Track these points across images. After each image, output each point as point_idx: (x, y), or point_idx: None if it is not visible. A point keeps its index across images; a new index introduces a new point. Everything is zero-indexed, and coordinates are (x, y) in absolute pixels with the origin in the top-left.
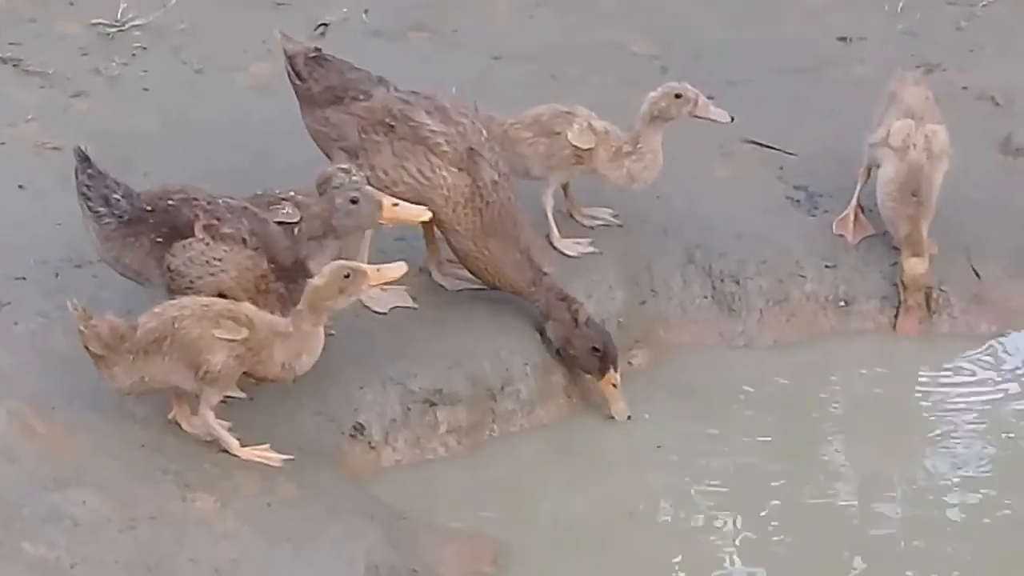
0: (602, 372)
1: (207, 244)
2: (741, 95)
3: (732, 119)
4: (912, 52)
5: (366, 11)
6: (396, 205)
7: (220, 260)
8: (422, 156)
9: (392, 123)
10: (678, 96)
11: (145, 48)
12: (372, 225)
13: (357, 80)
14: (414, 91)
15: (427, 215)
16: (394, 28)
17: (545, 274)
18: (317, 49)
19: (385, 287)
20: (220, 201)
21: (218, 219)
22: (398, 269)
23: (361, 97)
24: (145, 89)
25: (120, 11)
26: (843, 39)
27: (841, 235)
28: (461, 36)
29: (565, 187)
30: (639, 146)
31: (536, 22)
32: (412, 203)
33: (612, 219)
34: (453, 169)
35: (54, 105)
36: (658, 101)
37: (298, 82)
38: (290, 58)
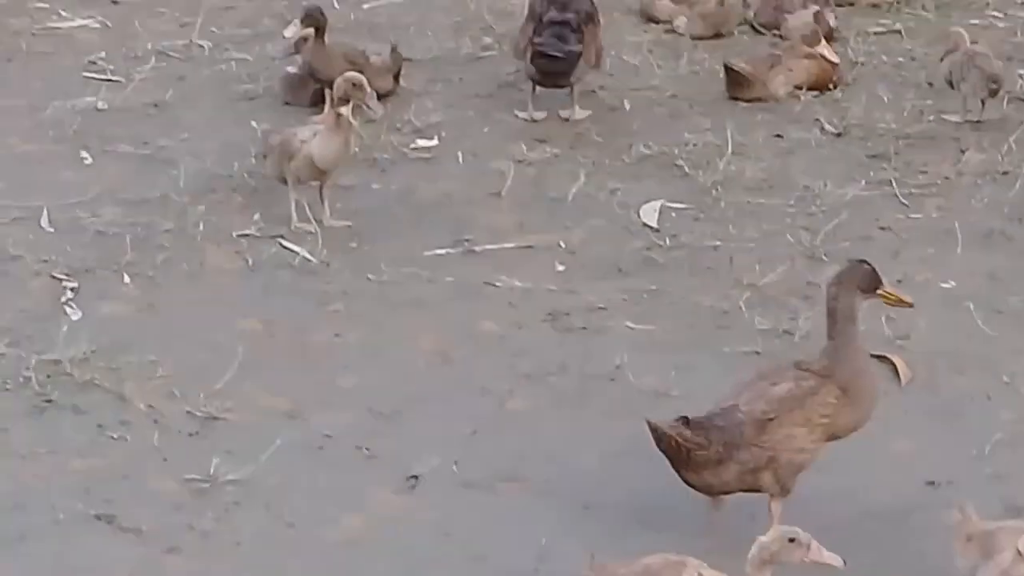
0: None
1: None
2: (830, 541)
3: (844, 563)
4: (1000, 495)
5: (456, 462)
6: None
7: None
8: None
9: None
10: (791, 540)
11: (238, 503)
12: None
13: None
14: None
15: None
16: (485, 478)
17: None
18: None
19: None
20: None
21: None
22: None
23: None
24: (238, 544)
25: (213, 467)
26: (931, 483)
27: None
28: (552, 485)
29: None
30: None
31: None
32: None
33: None
34: None
35: (147, 561)
36: (769, 545)
37: None
38: None
